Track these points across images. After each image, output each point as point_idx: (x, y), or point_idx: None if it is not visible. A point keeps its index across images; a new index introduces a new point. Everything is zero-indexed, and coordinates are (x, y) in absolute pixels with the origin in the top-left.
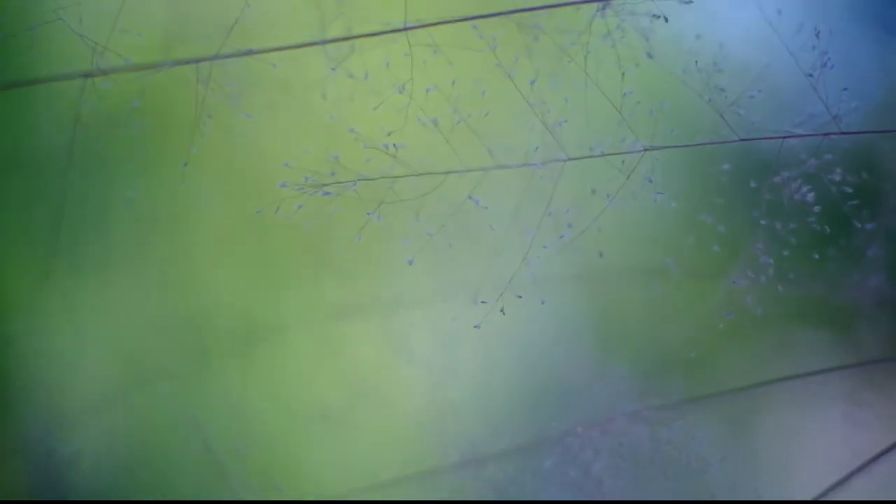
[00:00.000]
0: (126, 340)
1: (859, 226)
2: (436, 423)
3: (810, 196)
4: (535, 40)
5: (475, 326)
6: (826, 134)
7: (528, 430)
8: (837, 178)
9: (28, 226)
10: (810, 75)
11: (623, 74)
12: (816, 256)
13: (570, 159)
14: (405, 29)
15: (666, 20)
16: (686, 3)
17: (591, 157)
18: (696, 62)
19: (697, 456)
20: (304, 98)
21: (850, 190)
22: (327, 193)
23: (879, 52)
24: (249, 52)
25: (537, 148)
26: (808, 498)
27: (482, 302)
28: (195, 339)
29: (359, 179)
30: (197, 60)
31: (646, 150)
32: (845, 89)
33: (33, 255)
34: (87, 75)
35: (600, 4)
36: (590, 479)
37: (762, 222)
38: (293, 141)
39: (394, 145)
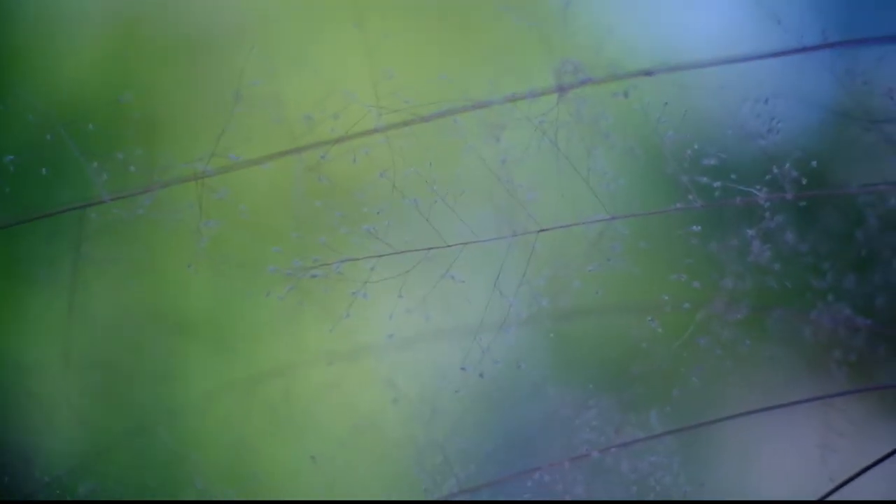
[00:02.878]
0: (113, 385)
1: (828, 264)
2: (421, 462)
3: (777, 242)
4: (503, 129)
5: (456, 391)
6: (781, 195)
7: (509, 466)
8: (793, 235)
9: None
10: (762, 139)
11: (589, 153)
12: (785, 292)
13: (542, 230)
14: (382, 130)
15: (626, 96)
16: (648, 75)
17: (562, 227)
18: (657, 133)
19: (675, 486)
20: (292, 190)
21: (806, 246)
22: (315, 275)
23: (828, 116)
24: (234, 165)
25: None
26: None
27: (462, 369)
28: (196, 381)
29: (343, 261)
30: (187, 180)
31: (613, 218)
32: (799, 149)
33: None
34: (85, 205)
35: (558, 94)
36: None
37: (726, 279)
38: (282, 229)
39: (374, 227)
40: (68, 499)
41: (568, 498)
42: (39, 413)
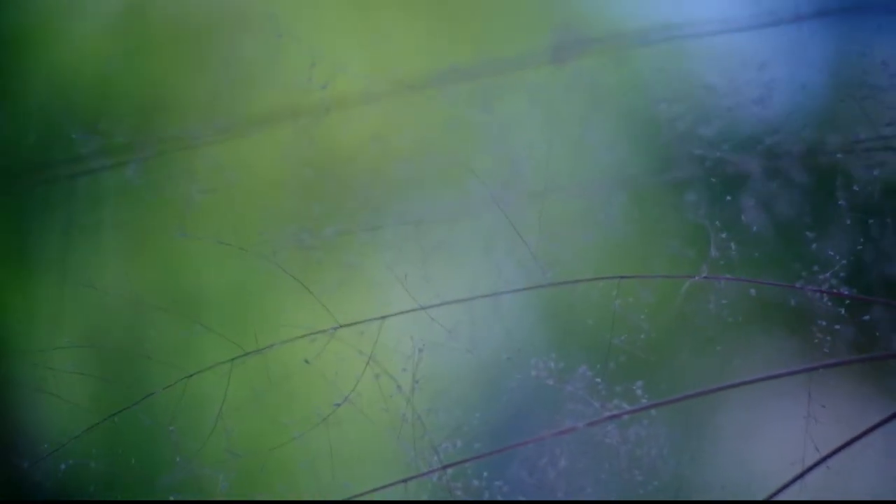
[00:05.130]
0: (97, 363)
1: (814, 233)
2: (404, 436)
3: (766, 211)
4: (496, 98)
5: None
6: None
7: (494, 439)
8: (781, 203)
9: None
10: (758, 106)
11: (583, 121)
12: (772, 262)
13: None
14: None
15: (622, 65)
16: (645, 44)
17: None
18: (653, 102)
19: (661, 458)
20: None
21: (792, 214)
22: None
23: (823, 84)
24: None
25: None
26: (772, 490)
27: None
28: (174, 357)
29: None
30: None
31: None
32: (793, 118)
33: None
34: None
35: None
36: (555, 480)
37: (723, 235)
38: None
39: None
40: (50, 480)
41: (552, 472)
42: (21, 393)
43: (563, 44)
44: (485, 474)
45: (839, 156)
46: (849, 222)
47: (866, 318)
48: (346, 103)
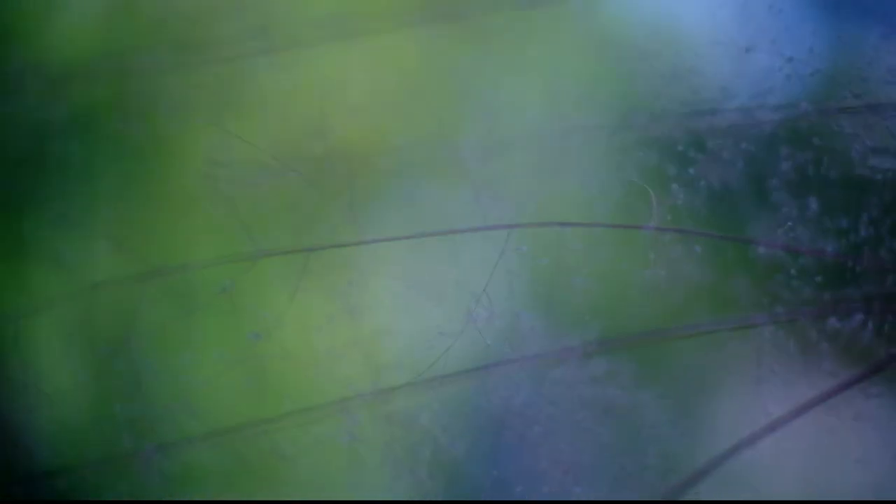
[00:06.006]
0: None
1: (776, 189)
2: (345, 357)
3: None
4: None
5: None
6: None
7: (447, 368)
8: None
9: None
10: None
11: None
12: (734, 214)
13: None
14: None
15: None
16: None
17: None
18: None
19: (619, 398)
20: None
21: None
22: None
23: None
24: None
25: None
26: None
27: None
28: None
29: None
30: None
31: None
32: (790, 59)
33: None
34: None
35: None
36: (510, 414)
37: (674, 185)
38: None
39: None
40: None
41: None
42: None
43: None
44: (435, 398)
45: (811, 118)
46: (811, 180)
47: (818, 279)
48: None
